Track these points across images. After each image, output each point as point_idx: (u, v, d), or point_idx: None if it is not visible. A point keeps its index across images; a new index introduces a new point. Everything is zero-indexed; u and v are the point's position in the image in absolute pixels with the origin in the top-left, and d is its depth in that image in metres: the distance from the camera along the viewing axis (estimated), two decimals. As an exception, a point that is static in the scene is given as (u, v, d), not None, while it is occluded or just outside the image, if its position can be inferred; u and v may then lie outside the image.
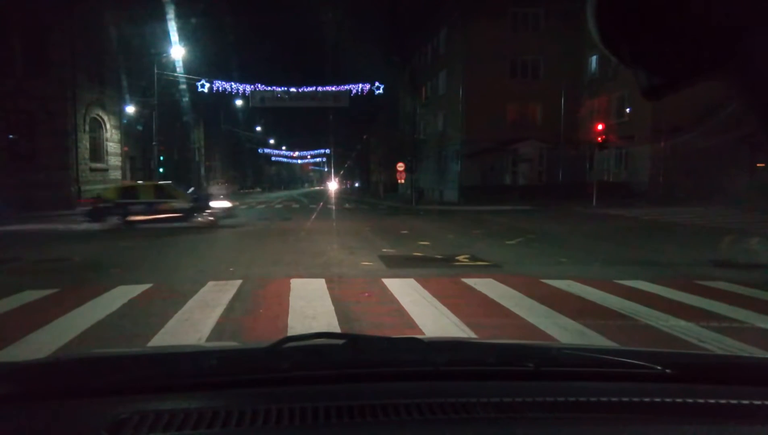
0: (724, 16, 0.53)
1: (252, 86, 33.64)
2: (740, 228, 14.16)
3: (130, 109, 31.44)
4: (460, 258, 9.54)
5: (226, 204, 18.23)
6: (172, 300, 6.12)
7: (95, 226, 16.19)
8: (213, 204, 17.59)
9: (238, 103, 45.19)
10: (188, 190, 19.67)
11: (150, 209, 16.50)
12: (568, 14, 27.09)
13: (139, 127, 32.40)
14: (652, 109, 23.97)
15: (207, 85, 32.15)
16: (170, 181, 20.64)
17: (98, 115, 27.70)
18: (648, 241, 12.73)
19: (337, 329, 4.76)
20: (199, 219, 16.73)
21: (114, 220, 16.23)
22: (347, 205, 32.78)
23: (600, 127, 24.95)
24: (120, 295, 6.39)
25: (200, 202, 17.35)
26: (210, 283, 7.07)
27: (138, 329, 5.02)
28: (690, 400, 1.12)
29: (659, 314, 5.36)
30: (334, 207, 30.75)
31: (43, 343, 4.50)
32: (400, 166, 35.48)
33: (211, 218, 16.86)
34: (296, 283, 7.08)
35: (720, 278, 7.42)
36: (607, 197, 24.35)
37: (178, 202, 16.97)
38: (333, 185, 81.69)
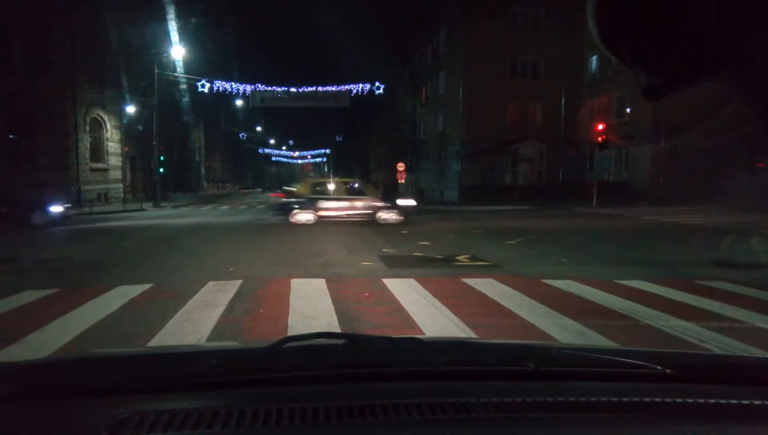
0: (724, 16, 0.53)
1: (252, 86, 33.63)
2: (740, 228, 14.15)
3: (131, 109, 31.44)
4: (461, 258, 9.54)
5: (411, 202, 18.50)
6: (172, 300, 6.12)
7: (280, 219, 16.76)
8: (399, 201, 17.89)
9: (238, 103, 45.24)
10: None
11: (342, 205, 16.90)
12: (568, 14, 27.12)
13: (139, 127, 32.40)
14: (652, 109, 23.96)
15: (207, 85, 32.14)
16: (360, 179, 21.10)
17: (98, 115, 27.71)
18: (648, 241, 12.73)
19: (337, 329, 4.76)
20: (388, 216, 16.92)
21: (306, 215, 16.61)
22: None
23: (600, 127, 24.95)
24: (120, 295, 6.39)
25: (388, 199, 17.72)
26: (210, 283, 7.07)
27: (138, 329, 5.02)
28: (690, 400, 1.12)
29: (659, 314, 5.36)
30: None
31: (43, 343, 4.50)
32: (400, 166, 35.47)
33: (399, 215, 17.08)
34: (296, 283, 7.08)
35: (720, 278, 7.42)
36: (607, 197, 24.34)
37: (368, 198, 17.35)
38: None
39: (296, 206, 16.86)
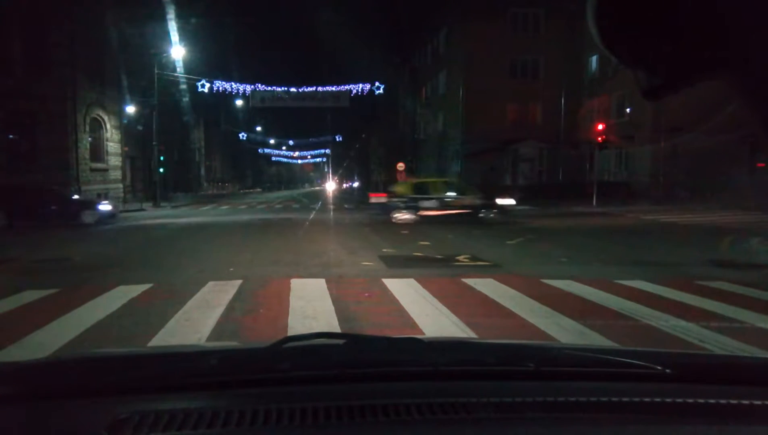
0: (724, 16, 0.53)
1: (252, 86, 33.67)
2: (741, 228, 14.16)
3: (131, 109, 31.43)
4: (461, 258, 9.53)
5: (511, 201, 18.58)
6: (172, 300, 6.12)
7: (382, 218, 17.04)
8: (499, 201, 17.94)
9: (238, 103, 45.27)
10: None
11: (444, 205, 17.03)
12: (568, 14, 27.13)
13: (139, 127, 32.40)
14: (652, 109, 23.97)
15: (207, 85, 32.17)
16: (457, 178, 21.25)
17: (98, 115, 27.69)
18: (648, 241, 12.73)
19: (337, 329, 4.76)
20: (488, 215, 17.01)
21: (408, 214, 16.77)
22: (347, 205, 32.78)
23: (600, 127, 24.95)
24: (120, 295, 6.39)
25: (488, 199, 17.76)
26: (210, 283, 7.07)
27: (138, 329, 5.02)
28: (690, 400, 1.12)
29: (659, 314, 5.36)
30: (334, 207, 30.75)
31: (43, 343, 4.49)
32: (400, 166, 35.47)
33: (500, 214, 17.17)
34: (296, 283, 7.08)
35: (720, 278, 7.41)
36: (607, 197, 24.33)
37: (469, 198, 17.41)
38: (333, 185, 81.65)
39: (400, 206, 17.10)
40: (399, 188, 18.43)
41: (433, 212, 16.83)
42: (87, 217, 17.53)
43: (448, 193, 17.50)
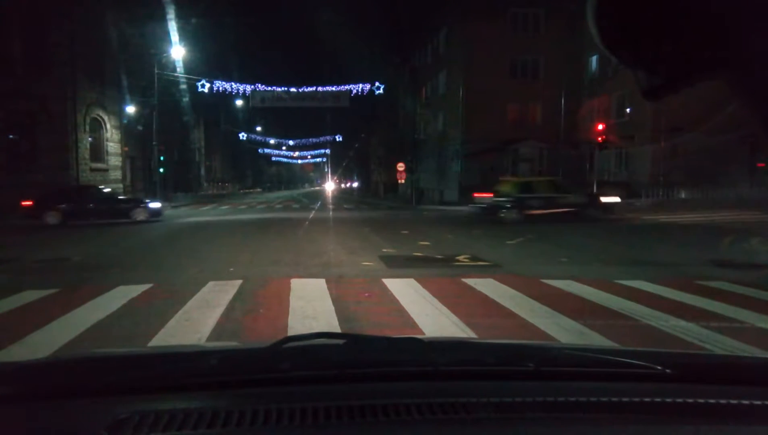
0: (723, 16, 0.53)
1: (252, 86, 33.66)
2: (741, 228, 14.16)
3: (131, 109, 31.43)
4: (461, 258, 9.53)
5: (616, 199, 18.66)
6: (172, 300, 6.12)
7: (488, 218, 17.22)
8: (603, 199, 18.05)
9: (238, 103, 45.26)
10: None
11: (549, 203, 17.12)
12: (568, 14, 27.12)
13: (139, 127, 32.39)
14: (652, 109, 23.96)
15: (207, 85, 32.16)
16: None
17: (98, 115, 27.68)
18: (648, 241, 12.74)
19: (337, 329, 4.76)
20: (594, 213, 17.16)
21: (513, 214, 16.89)
22: (347, 206, 32.78)
23: (600, 126, 24.93)
24: (120, 295, 6.39)
25: (593, 197, 17.95)
26: (210, 283, 7.07)
27: (138, 329, 5.02)
28: (690, 400, 1.12)
29: (659, 314, 5.36)
30: (334, 207, 30.75)
31: (43, 343, 4.49)
32: (400, 166, 35.49)
33: (605, 212, 17.31)
34: (296, 283, 7.08)
35: (720, 278, 7.41)
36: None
37: (573, 196, 17.51)
38: (333, 185, 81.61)
39: (507, 205, 17.21)
40: (504, 187, 18.54)
41: (539, 211, 16.94)
42: (138, 215, 18.47)
43: (553, 192, 17.61)
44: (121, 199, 20.49)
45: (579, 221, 16.29)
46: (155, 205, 19.59)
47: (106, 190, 20.89)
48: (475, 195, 19.65)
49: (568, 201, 17.26)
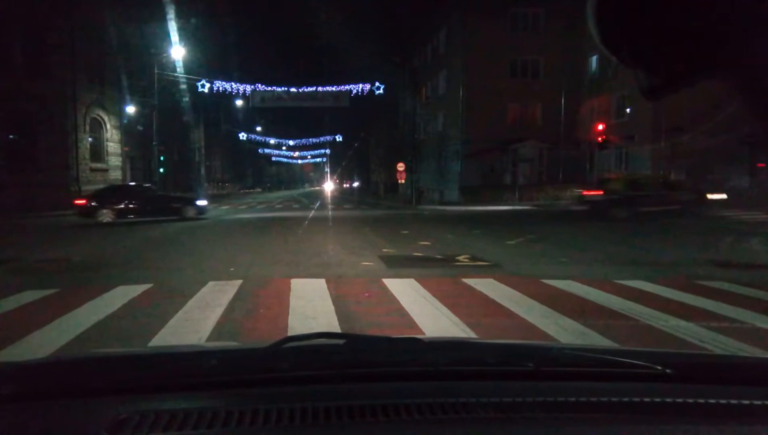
0: (723, 16, 0.53)
1: (252, 86, 33.66)
2: (741, 228, 14.16)
3: (130, 109, 31.44)
4: (461, 258, 9.53)
5: (722, 196, 18.79)
6: (172, 300, 6.12)
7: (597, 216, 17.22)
8: (710, 196, 18.27)
9: (238, 103, 45.26)
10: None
11: (659, 201, 17.19)
12: (568, 14, 27.12)
13: (140, 127, 32.41)
14: (652, 109, 23.97)
15: (207, 85, 32.16)
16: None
17: (98, 115, 27.70)
18: (648, 241, 12.73)
19: (337, 329, 4.75)
20: (699, 210, 17.26)
21: (622, 211, 16.92)
22: (347, 205, 32.78)
23: (600, 126, 24.96)
24: (120, 295, 6.39)
25: (698, 193, 18.06)
26: (210, 283, 7.07)
27: (138, 329, 5.02)
28: (690, 400, 1.12)
29: (659, 314, 5.36)
30: (333, 207, 30.75)
31: (43, 343, 4.49)
32: (400, 166, 35.46)
33: (710, 210, 17.41)
34: (296, 283, 7.08)
35: (720, 278, 7.41)
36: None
37: (680, 193, 17.62)
38: (333, 185, 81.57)
39: (617, 203, 17.26)
40: (613, 185, 18.63)
41: (649, 208, 17.01)
42: (189, 212, 19.50)
43: (662, 190, 17.76)
44: (174, 196, 21.85)
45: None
46: (203, 202, 20.52)
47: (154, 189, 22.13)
48: (585, 192, 19.59)
49: (677, 198, 17.33)
